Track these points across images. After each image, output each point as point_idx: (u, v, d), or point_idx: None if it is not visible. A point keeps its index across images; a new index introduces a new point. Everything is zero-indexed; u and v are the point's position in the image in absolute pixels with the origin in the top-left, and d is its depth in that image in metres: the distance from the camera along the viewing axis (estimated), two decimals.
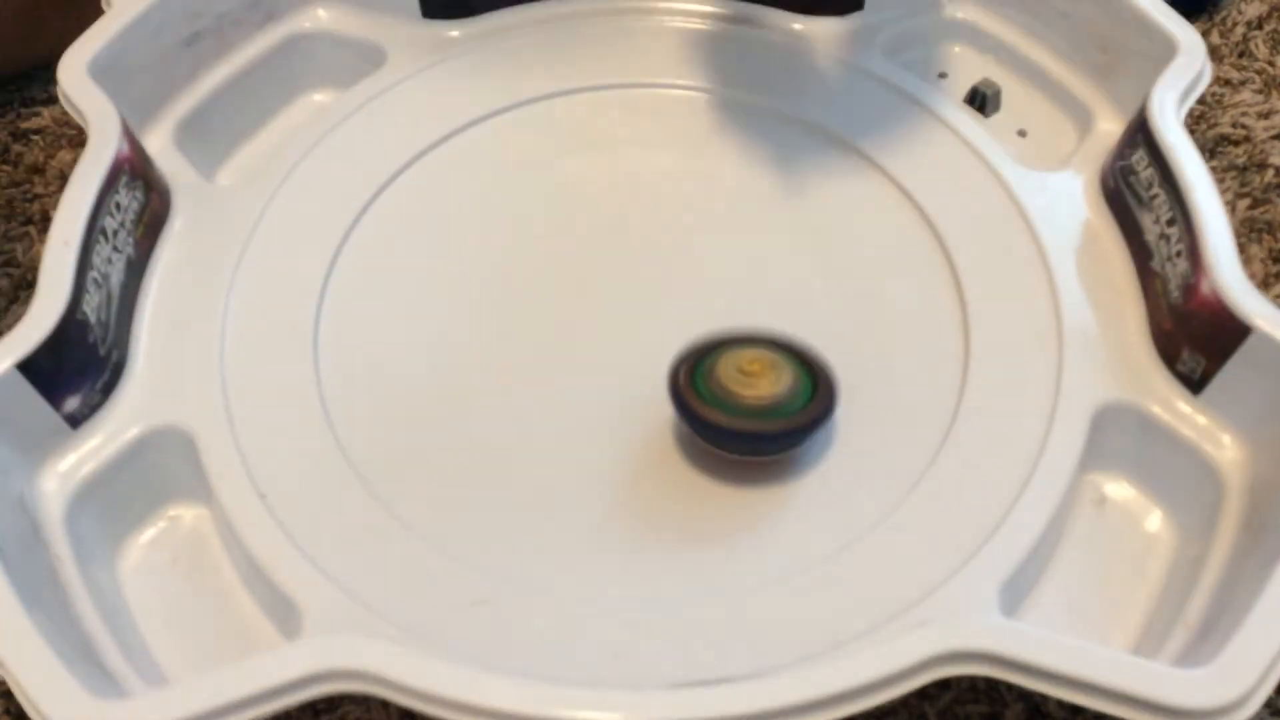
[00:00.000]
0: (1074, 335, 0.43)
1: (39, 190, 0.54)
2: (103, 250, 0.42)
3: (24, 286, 0.50)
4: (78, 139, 0.56)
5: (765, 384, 0.40)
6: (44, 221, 0.52)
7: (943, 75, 0.53)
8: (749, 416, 0.39)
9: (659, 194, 0.49)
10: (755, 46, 0.53)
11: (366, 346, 0.44)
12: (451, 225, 0.48)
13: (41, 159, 0.55)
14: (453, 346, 0.45)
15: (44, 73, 0.58)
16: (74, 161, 0.44)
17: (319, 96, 0.53)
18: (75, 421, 0.40)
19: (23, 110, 0.57)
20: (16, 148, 0.55)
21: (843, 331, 0.45)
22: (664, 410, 0.41)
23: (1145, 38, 0.48)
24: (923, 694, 0.39)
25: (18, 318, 0.39)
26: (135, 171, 0.44)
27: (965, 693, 0.39)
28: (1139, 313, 0.43)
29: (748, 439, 0.40)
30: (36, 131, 0.56)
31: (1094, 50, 0.50)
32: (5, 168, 0.55)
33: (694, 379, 0.40)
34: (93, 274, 0.41)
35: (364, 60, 0.52)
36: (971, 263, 0.45)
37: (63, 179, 0.51)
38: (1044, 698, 0.39)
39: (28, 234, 0.52)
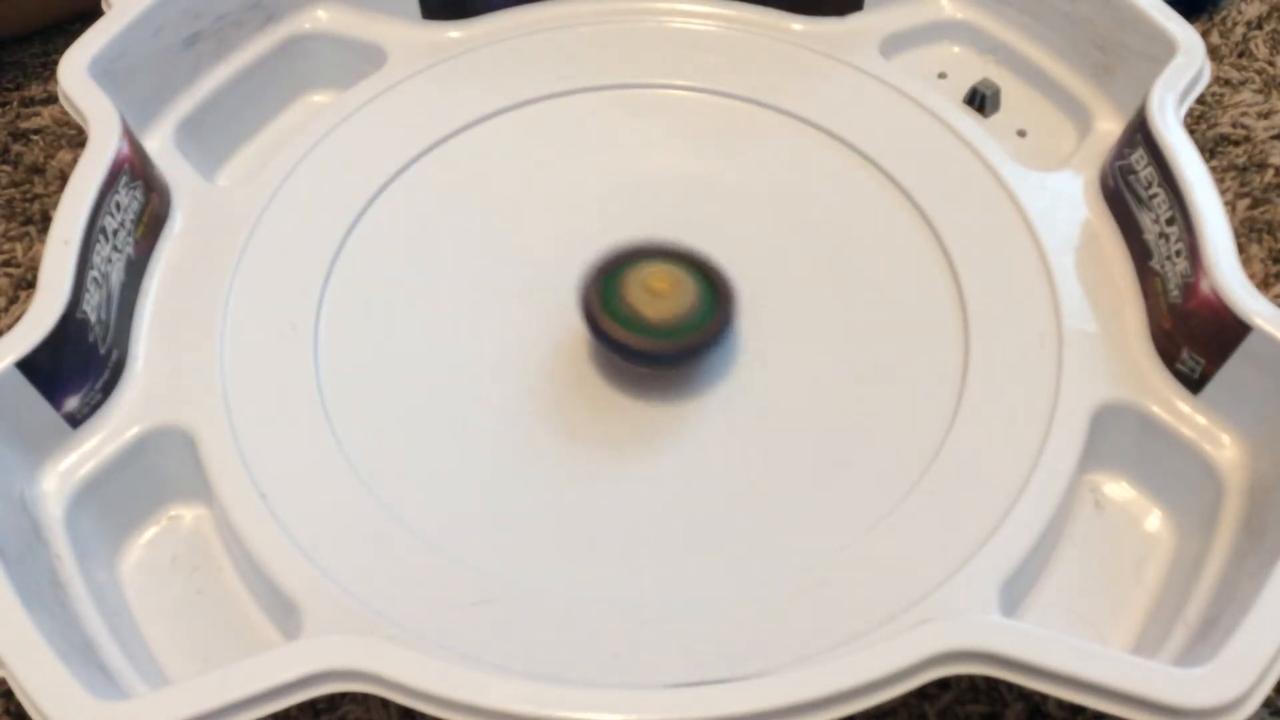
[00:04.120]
0: (1073, 335, 0.43)
1: (39, 190, 0.54)
2: (103, 250, 0.42)
3: (24, 286, 0.50)
4: (78, 139, 0.56)
5: (670, 303, 0.42)
6: (44, 221, 0.52)
7: (942, 75, 0.53)
8: (657, 336, 0.42)
9: (659, 194, 0.49)
10: (755, 46, 0.53)
11: (366, 346, 0.44)
12: (451, 226, 0.48)
13: (41, 159, 0.55)
14: (453, 346, 0.45)
15: (56, 39, 0.58)
16: (74, 161, 0.44)
17: (319, 97, 0.53)
18: (75, 421, 0.40)
19: (23, 110, 0.57)
20: (16, 148, 0.55)
21: (842, 331, 0.45)
22: (670, 406, 0.41)
23: (1144, 37, 0.48)
24: (923, 694, 0.39)
25: (18, 317, 0.39)
26: (135, 171, 0.44)
27: (965, 693, 0.39)
28: (1138, 312, 0.43)
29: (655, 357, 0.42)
30: (36, 131, 0.56)
31: (1093, 50, 0.50)
32: (5, 168, 0.55)
33: (605, 302, 0.42)
34: (93, 273, 0.41)
35: (364, 61, 0.52)
36: (971, 263, 0.45)
37: (63, 179, 0.51)
38: (1044, 698, 0.39)
39: (28, 234, 0.52)
